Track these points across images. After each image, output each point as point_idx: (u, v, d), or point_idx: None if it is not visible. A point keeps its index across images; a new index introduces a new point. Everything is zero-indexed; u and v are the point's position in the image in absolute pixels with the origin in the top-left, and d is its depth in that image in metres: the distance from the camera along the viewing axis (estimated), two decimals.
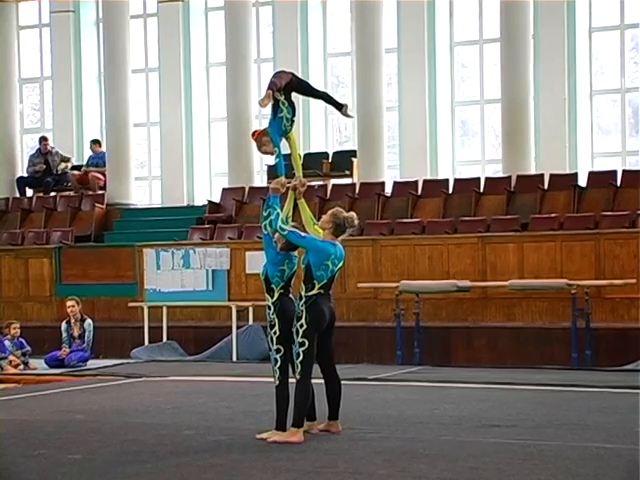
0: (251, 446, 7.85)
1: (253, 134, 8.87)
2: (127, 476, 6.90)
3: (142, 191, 21.65)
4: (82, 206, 19.78)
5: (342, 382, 8.51)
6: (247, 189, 18.70)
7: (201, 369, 14.13)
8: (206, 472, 6.95)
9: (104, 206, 19.49)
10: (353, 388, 10.79)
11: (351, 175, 18.73)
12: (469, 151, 19.64)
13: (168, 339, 16.45)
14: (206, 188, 20.64)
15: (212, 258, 16.58)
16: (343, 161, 18.88)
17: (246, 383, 12.38)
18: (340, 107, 8.95)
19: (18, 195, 21.03)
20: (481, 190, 17.04)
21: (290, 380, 8.16)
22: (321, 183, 18.50)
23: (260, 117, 19.26)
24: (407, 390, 11.53)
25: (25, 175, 21.17)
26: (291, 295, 8.34)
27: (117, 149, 19.80)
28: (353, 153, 18.65)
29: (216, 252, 16.62)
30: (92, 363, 14.91)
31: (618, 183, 16.20)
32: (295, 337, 8.05)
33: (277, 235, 8.21)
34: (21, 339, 15.08)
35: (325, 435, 8.23)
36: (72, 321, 14.97)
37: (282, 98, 8.56)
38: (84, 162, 20.96)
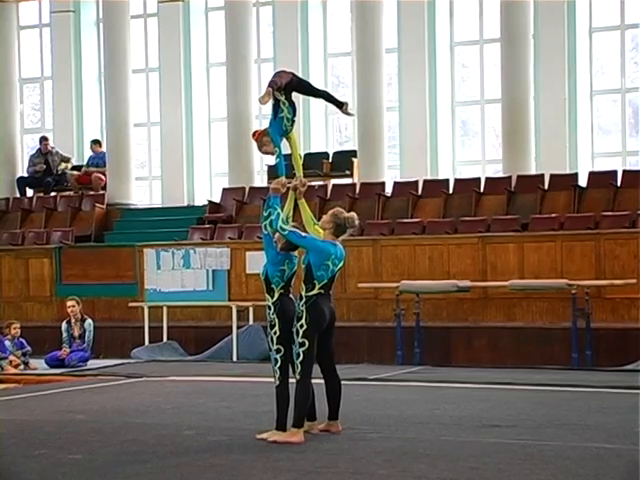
0: (251, 446, 7.85)
1: (254, 134, 8.88)
2: (127, 476, 6.90)
3: (142, 191, 21.65)
4: (82, 206, 19.79)
5: (342, 382, 8.51)
6: (247, 189, 18.70)
7: (201, 369, 14.12)
8: (206, 472, 6.95)
9: (104, 206, 19.49)
10: (353, 388, 10.80)
11: (351, 175, 18.73)
12: (469, 151, 19.64)
13: (168, 339, 16.45)
14: (206, 188, 20.64)
15: (212, 258, 16.58)
16: (343, 161, 18.88)
17: (246, 383, 12.38)
18: (341, 105, 8.96)
19: (18, 195, 21.03)
20: (481, 190, 17.04)
21: (290, 380, 8.16)
22: (321, 183, 18.51)
23: (260, 117, 19.27)
24: (407, 390, 11.53)
25: (25, 175, 21.17)
26: (291, 295, 8.34)
27: (117, 149, 19.80)
28: (353, 153, 18.65)
29: (216, 252, 16.63)
30: (92, 363, 14.91)
31: (618, 183, 16.20)
32: (295, 337, 8.05)
33: (277, 235, 8.22)
34: (21, 339, 15.08)
35: (325, 435, 8.23)
36: (72, 321, 14.97)
37: (283, 98, 8.56)
38: (84, 162, 20.97)
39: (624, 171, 16.62)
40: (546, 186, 16.56)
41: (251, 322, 15.90)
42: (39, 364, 14.87)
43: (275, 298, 8.26)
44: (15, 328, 15.04)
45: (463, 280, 14.76)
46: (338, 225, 8.21)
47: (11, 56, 21.68)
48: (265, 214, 8.29)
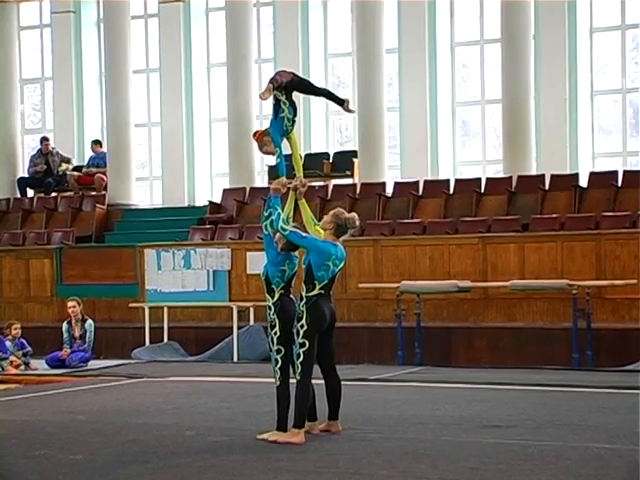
0: (252, 447, 7.85)
1: (254, 134, 8.88)
2: (128, 476, 6.91)
3: (143, 191, 21.66)
4: (83, 206, 19.79)
5: (343, 382, 8.52)
6: (248, 189, 18.70)
7: (202, 370, 14.12)
8: (207, 472, 6.95)
9: (105, 206, 19.50)
10: (354, 388, 10.80)
11: (352, 175, 18.73)
12: (470, 151, 19.65)
13: (169, 339, 16.45)
14: (207, 188, 20.65)
15: (213, 258, 16.59)
16: (344, 161, 18.88)
17: (247, 383, 12.38)
18: (342, 103, 8.96)
19: (19, 195, 21.04)
20: (482, 190, 17.04)
21: (291, 380, 8.16)
22: (322, 183, 18.51)
23: (261, 117, 19.29)
24: (408, 390, 11.53)
25: (26, 176, 21.18)
26: (292, 295, 8.34)
27: (118, 149, 19.80)
28: (354, 153, 18.65)
29: (217, 252, 16.63)
30: (93, 363, 14.92)
31: (619, 183, 16.20)
32: (295, 337, 8.05)
33: (278, 235, 8.21)
34: (22, 340, 15.08)
35: (326, 435, 8.23)
36: (73, 321, 14.97)
37: (283, 98, 8.56)
38: (85, 162, 20.97)
39: (625, 171, 16.63)
40: (547, 186, 16.57)
41: (252, 322, 15.90)
42: (40, 364, 14.87)
43: (275, 298, 8.26)
44: (16, 328, 15.05)
45: (464, 280, 14.76)
46: (339, 226, 8.21)
47: (12, 56, 21.69)
48: (266, 214, 8.29)
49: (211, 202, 18.97)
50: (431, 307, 15.14)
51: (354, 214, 8.35)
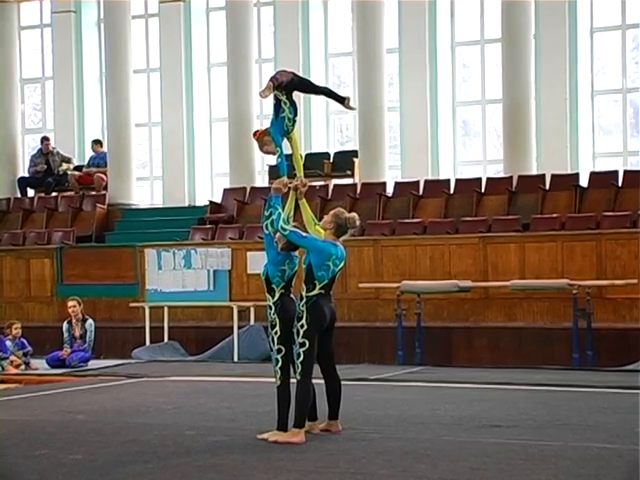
0: (252, 446, 7.85)
1: (255, 134, 8.88)
2: (128, 476, 6.90)
3: (143, 191, 21.66)
4: (83, 206, 19.79)
5: (343, 382, 8.52)
6: (248, 189, 18.70)
7: (202, 369, 14.13)
8: (207, 472, 6.95)
9: (105, 206, 19.49)
10: (354, 388, 10.81)
11: (352, 175, 18.73)
12: (470, 151, 19.64)
13: (169, 339, 16.45)
14: (207, 188, 20.65)
15: (213, 258, 16.59)
16: (344, 161, 18.88)
17: (247, 383, 12.38)
18: (342, 100, 8.97)
19: (19, 195, 21.03)
20: (482, 190, 17.04)
21: (291, 380, 8.16)
22: (322, 183, 18.51)
23: (261, 117, 19.29)
24: (408, 390, 11.53)
25: (26, 175, 21.18)
26: (292, 295, 8.34)
27: (118, 149, 19.80)
28: (354, 153, 18.65)
29: (217, 252, 16.63)
30: (93, 363, 14.92)
31: (619, 183, 16.19)
32: (296, 337, 8.05)
33: (278, 235, 8.21)
34: (22, 339, 15.09)
35: (326, 435, 8.23)
36: (73, 321, 14.98)
37: (284, 98, 8.56)
38: (85, 162, 20.97)
39: (625, 171, 16.62)
40: (547, 186, 16.56)
41: (252, 322, 15.90)
42: (40, 364, 14.88)
43: (276, 298, 8.26)
44: (16, 328, 15.05)
45: (464, 280, 14.76)
46: (339, 225, 8.21)
47: (12, 56, 21.69)
48: (266, 214, 8.29)
49: (211, 202, 18.96)
50: (431, 307, 15.14)
51: (354, 214, 8.35)
